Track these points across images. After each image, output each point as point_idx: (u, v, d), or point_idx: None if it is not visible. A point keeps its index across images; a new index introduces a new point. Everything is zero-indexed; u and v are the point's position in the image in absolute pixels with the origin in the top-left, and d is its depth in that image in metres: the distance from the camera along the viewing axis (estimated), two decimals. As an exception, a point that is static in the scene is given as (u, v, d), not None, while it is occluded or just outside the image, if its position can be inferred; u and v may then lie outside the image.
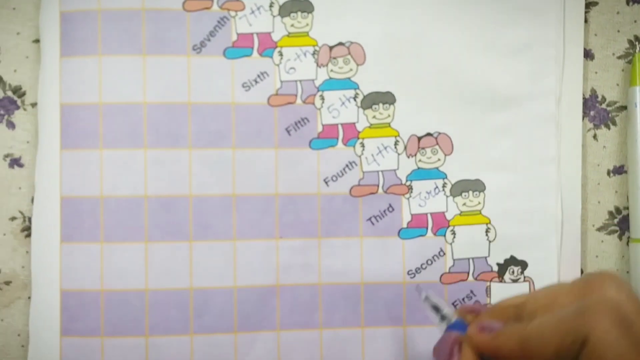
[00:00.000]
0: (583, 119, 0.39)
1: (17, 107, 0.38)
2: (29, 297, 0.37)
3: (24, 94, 0.38)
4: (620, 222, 0.40)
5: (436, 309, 0.32)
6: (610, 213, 0.40)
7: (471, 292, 0.38)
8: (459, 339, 0.29)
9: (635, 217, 0.38)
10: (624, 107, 0.40)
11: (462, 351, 0.29)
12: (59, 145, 0.36)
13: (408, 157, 0.38)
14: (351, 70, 0.38)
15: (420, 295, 0.33)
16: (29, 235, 0.37)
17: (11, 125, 0.38)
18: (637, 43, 0.40)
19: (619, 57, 0.40)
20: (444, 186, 0.38)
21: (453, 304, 0.38)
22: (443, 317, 0.31)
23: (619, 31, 0.40)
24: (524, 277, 0.38)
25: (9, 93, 0.38)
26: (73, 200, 0.36)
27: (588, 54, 0.40)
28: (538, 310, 0.29)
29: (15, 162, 0.38)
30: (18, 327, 0.37)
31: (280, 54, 0.37)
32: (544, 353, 0.27)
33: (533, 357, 0.27)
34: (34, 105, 0.38)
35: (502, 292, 0.38)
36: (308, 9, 0.37)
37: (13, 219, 0.37)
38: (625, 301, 0.27)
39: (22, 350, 0.37)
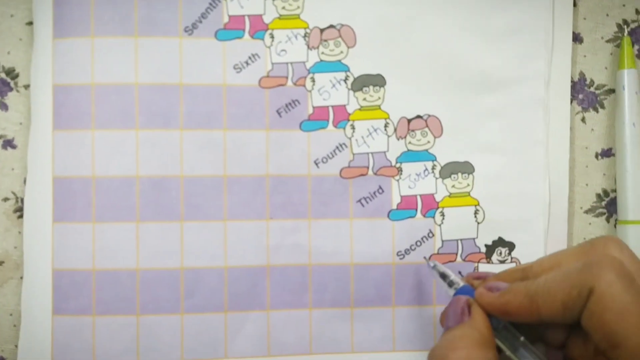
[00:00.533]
0: (571, 102, 0.40)
1: (10, 89, 0.38)
2: (21, 277, 0.37)
3: (17, 75, 0.38)
4: (608, 205, 0.40)
5: (443, 276, 0.33)
6: (598, 195, 0.40)
7: (459, 273, 0.38)
8: (468, 301, 0.30)
9: (622, 199, 0.39)
10: (612, 91, 0.40)
11: (472, 311, 0.30)
12: (51, 126, 0.37)
13: (398, 139, 0.38)
14: (342, 52, 0.38)
15: (428, 264, 0.34)
16: (21, 216, 0.37)
17: (4, 107, 0.38)
18: (625, 27, 0.40)
19: (608, 41, 0.40)
20: (433, 168, 0.38)
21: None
22: (451, 284, 0.32)
23: (607, 15, 0.40)
24: (512, 258, 0.38)
25: (2, 75, 0.38)
26: (65, 181, 0.37)
27: (577, 38, 0.40)
28: (543, 272, 0.30)
29: (9, 144, 0.38)
30: (10, 307, 0.38)
31: (272, 36, 0.38)
32: (551, 306, 0.28)
33: (540, 311, 0.28)
34: (27, 87, 0.38)
35: (490, 273, 0.38)
36: (299, -9, 0.38)
37: (6, 199, 0.38)
38: (627, 260, 0.28)
39: (14, 330, 0.37)
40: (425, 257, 0.38)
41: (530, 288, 0.29)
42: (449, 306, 0.31)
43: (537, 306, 0.28)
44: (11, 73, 0.38)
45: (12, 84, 0.38)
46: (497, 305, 0.29)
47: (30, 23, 0.38)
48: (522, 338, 0.29)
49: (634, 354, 0.26)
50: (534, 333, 0.30)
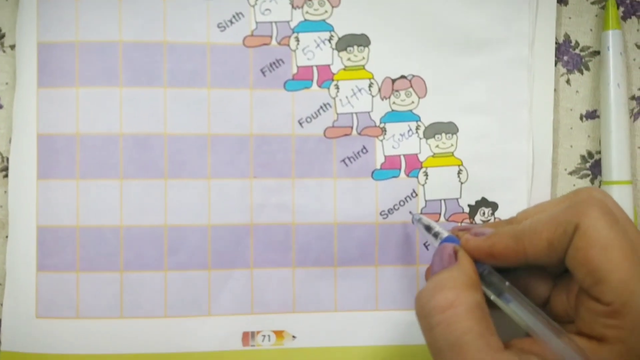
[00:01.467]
0: (556, 64, 0.40)
1: (-3, 50, 0.38)
2: (7, 237, 0.37)
3: (3, 35, 0.38)
4: (592, 166, 0.40)
5: (428, 228, 0.33)
6: (583, 157, 0.40)
7: (443, 232, 0.38)
8: (454, 248, 0.30)
9: (607, 160, 0.39)
10: (597, 53, 0.40)
11: (459, 257, 0.30)
12: (36, 83, 0.37)
13: (382, 99, 0.38)
14: (326, 12, 0.38)
15: (413, 217, 0.35)
16: (7, 176, 0.38)
17: (-10, 67, 0.38)
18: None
19: (593, 3, 0.40)
20: (417, 128, 0.39)
21: (425, 244, 0.38)
22: (436, 235, 0.32)
23: (593, -23, 0.40)
24: (495, 218, 0.39)
25: (-11, 35, 0.38)
26: (49, 138, 0.37)
27: (562, 0, 0.40)
28: (528, 217, 0.30)
29: (-5, 104, 0.38)
30: (-4, 266, 0.38)
31: (256, -5, 0.38)
32: (537, 245, 0.28)
33: (527, 250, 0.28)
34: (13, 47, 0.38)
35: (473, 233, 0.38)
36: (283, -49, 0.38)
37: (-8, 159, 0.38)
38: (610, 203, 0.28)
39: (0, 288, 0.38)
40: (410, 212, 0.38)
41: (516, 230, 0.29)
42: (434, 254, 0.31)
43: (523, 246, 0.28)
44: (-3, 33, 0.38)
45: (-2, 45, 0.38)
46: (484, 248, 0.30)
47: (16, -17, 0.38)
48: (507, 283, 0.29)
49: (617, 288, 0.26)
50: (518, 289, 0.30)
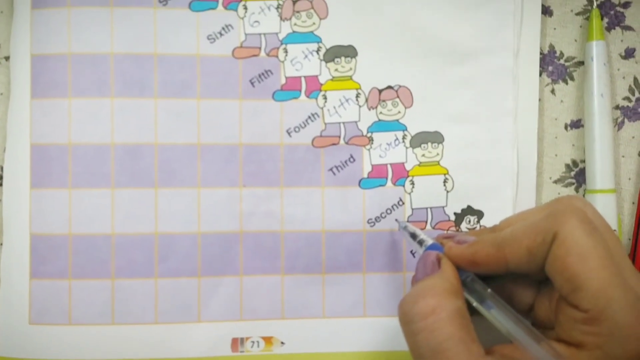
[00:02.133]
0: (541, 74, 0.40)
1: (-8, 61, 0.39)
2: (1, 244, 0.38)
3: (-2, 47, 0.39)
4: (577, 175, 0.41)
5: (414, 235, 0.34)
6: (567, 166, 0.41)
7: (428, 239, 0.39)
8: (437, 255, 0.31)
9: (591, 169, 0.39)
10: (582, 63, 0.41)
11: (442, 265, 0.30)
12: (30, 94, 0.38)
13: (369, 109, 0.39)
14: (314, 24, 0.39)
15: (399, 225, 0.36)
16: (1, 184, 0.38)
17: (-14, 78, 0.39)
18: (595, 0, 0.41)
19: (577, 14, 0.41)
20: (404, 138, 0.39)
21: (411, 252, 0.39)
22: (421, 242, 0.33)
23: (577, -12, 0.41)
24: (480, 226, 0.39)
25: (-16, 47, 0.39)
26: (42, 148, 0.37)
27: (547, 11, 0.40)
28: (510, 225, 0.30)
29: (-10, 114, 0.39)
30: (-9, 273, 0.38)
31: (245, 8, 0.38)
32: (517, 253, 0.29)
33: (507, 258, 0.29)
34: (7, 58, 0.39)
35: (459, 240, 0.39)
36: (271, -37, 0.39)
37: (-13, 168, 0.39)
38: (590, 212, 0.29)
39: (-5, 295, 0.38)
40: (397, 220, 0.38)
41: (497, 237, 0.30)
42: (418, 261, 0.32)
43: (504, 254, 0.29)
44: (-8, 45, 0.39)
45: (-7, 56, 0.39)
46: (466, 255, 0.30)
47: (11, -4, 0.39)
48: (489, 290, 0.29)
49: (594, 295, 0.26)
50: (503, 296, 0.31)
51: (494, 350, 0.29)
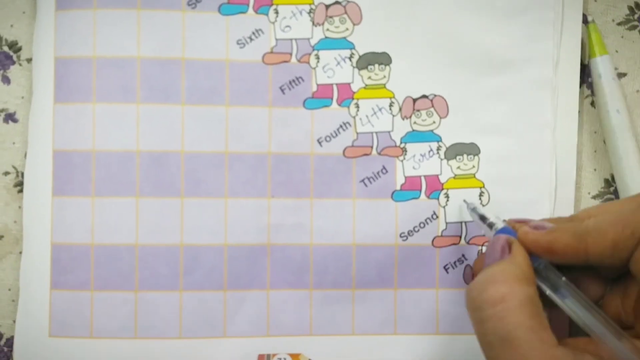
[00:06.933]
0: (581, 85, 0.39)
1: (13, 63, 0.38)
2: (20, 252, 0.37)
3: (19, 49, 0.38)
4: (616, 191, 0.39)
5: (483, 218, 0.33)
6: (607, 181, 0.39)
7: (463, 255, 0.38)
8: (508, 239, 0.29)
9: (623, 188, 0.38)
10: (624, 74, 0.39)
11: (513, 249, 0.29)
12: (52, 99, 0.36)
13: (403, 119, 0.38)
14: (347, 29, 0.38)
15: (468, 206, 0.35)
16: (21, 191, 0.37)
17: (7, 80, 0.38)
18: (637, 10, 0.39)
19: (619, 24, 0.39)
20: (438, 149, 0.38)
21: (445, 267, 0.38)
22: (491, 225, 0.32)
23: (619, -3, 0.39)
24: (517, 242, 0.38)
25: (5, 48, 0.38)
26: (65, 154, 0.36)
27: (587, 20, 0.39)
28: (591, 217, 0.29)
29: (10, 117, 0.38)
30: (9, 282, 0.37)
31: (276, 12, 0.37)
32: (600, 245, 0.28)
33: (588, 250, 0.28)
34: (29, 60, 0.38)
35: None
36: (304, -34, 0.37)
37: (6, 173, 0.38)
38: None
39: (13, 304, 0.37)
40: (464, 200, 0.37)
41: (579, 227, 0.28)
42: (488, 246, 0.30)
43: (586, 245, 0.28)
44: (14, 46, 0.38)
45: (14, 57, 0.38)
46: (543, 242, 0.29)
47: (34, -4, 0.37)
48: (563, 278, 0.28)
49: None
50: None
51: (567, 343, 0.27)
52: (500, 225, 0.32)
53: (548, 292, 0.29)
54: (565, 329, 0.29)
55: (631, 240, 0.27)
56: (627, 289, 0.29)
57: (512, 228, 0.31)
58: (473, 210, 0.34)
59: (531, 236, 0.29)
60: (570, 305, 0.28)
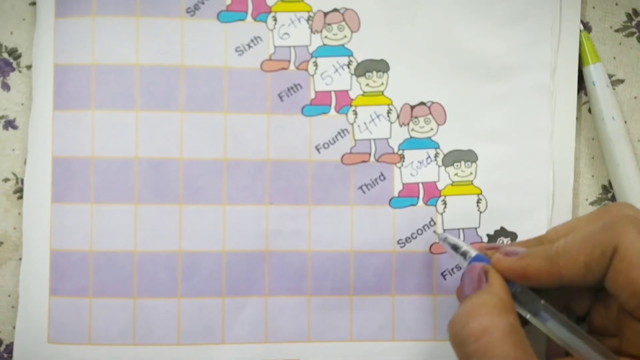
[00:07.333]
0: (579, 92, 0.39)
1: (13, 69, 0.38)
2: (20, 259, 0.37)
3: (19, 56, 0.38)
4: (613, 197, 0.39)
5: (455, 247, 0.33)
6: (604, 187, 0.39)
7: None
8: (484, 267, 0.29)
9: (620, 195, 0.38)
10: (621, 81, 0.39)
11: (490, 278, 0.29)
12: (52, 106, 0.37)
13: (401, 126, 0.38)
14: (345, 37, 0.38)
15: (439, 237, 0.35)
16: (21, 197, 0.37)
17: (6, 87, 0.38)
18: (635, 17, 0.39)
19: (617, 31, 0.40)
20: (436, 156, 0.38)
21: (442, 274, 0.38)
22: (464, 254, 0.32)
23: (617, 4, 0.39)
24: (515, 248, 0.38)
25: (5, 55, 0.38)
26: (64, 161, 0.36)
27: (585, 27, 0.39)
28: (559, 238, 0.29)
29: (10, 124, 0.38)
30: (9, 288, 0.37)
31: (275, 19, 0.37)
32: (573, 267, 0.28)
33: (562, 273, 0.28)
34: (29, 67, 0.38)
35: (492, 263, 0.38)
36: (302, -26, 0.37)
37: (6, 180, 0.38)
38: None
39: (12, 311, 0.37)
40: (435, 231, 0.37)
41: (550, 250, 0.28)
42: (464, 275, 0.30)
43: (558, 268, 0.28)
44: (14, 53, 0.38)
45: (14, 64, 0.38)
46: (516, 269, 0.29)
47: (33, 3, 0.38)
48: (542, 301, 0.28)
49: None
50: (556, 307, 0.29)
51: None
52: (473, 253, 0.31)
53: (529, 316, 0.29)
54: (542, 348, 0.29)
55: (602, 260, 0.27)
56: (607, 300, 0.29)
57: (485, 255, 0.31)
58: (444, 240, 0.34)
59: (504, 263, 0.29)
60: (552, 327, 0.28)
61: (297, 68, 0.38)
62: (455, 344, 0.27)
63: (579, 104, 0.39)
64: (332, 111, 0.38)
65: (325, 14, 0.38)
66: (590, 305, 0.30)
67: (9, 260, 0.38)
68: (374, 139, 0.38)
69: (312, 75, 0.38)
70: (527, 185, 0.38)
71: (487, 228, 0.38)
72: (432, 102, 0.38)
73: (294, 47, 0.38)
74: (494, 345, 0.26)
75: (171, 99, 0.37)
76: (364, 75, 0.38)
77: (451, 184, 0.38)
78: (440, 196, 0.38)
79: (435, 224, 0.38)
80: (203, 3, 0.37)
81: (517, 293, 0.29)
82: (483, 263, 0.30)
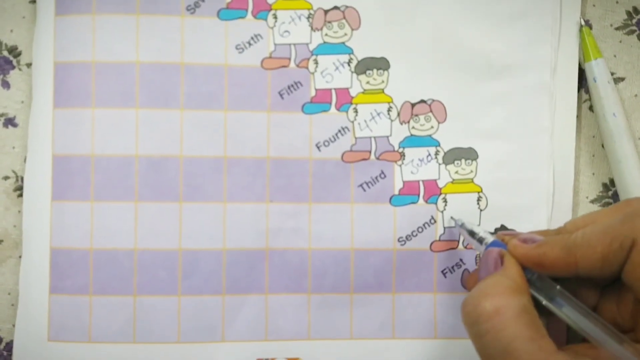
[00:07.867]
0: (579, 90, 0.39)
1: (13, 67, 0.38)
2: (20, 257, 0.37)
3: (19, 54, 0.38)
4: (614, 195, 0.39)
5: (472, 233, 0.33)
6: (605, 185, 0.39)
7: (461, 260, 0.38)
8: (500, 252, 0.30)
9: (623, 192, 0.38)
10: (622, 79, 0.39)
11: (505, 262, 0.29)
12: (52, 103, 0.36)
13: (401, 123, 0.38)
14: (346, 34, 0.38)
15: (456, 223, 0.35)
16: (21, 195, 0.37)
17: (6, 85, 0.38)
18: (635, 15, 0.39)
19: (617, 29, 0.39)
20: (436, 154, 0.38)
21: (442, 272, 0.38)
22: (480, 240, 0.32)
23: (617, 2, 0.39)
24: (515, 246, 0.38)
25: (5, 53, 0.38)
26: (64, 159, 0.36)
27: (586, 24, 0.39)
28: (578, 229, 0.29)
29: (10, 122, 0.38)
30: (9, 286, 0.37)
31: (275, 17, 0.37)
32: (590, 259, 0.28)
33: (578, 263, 0.28)
34: (29, 65, 0.38)
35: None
36: (303, -28, 0.37)
37: (6, 178, 0.38)
38: None
39: (12, 309, 0.37)
40: (452, 217, 0.37)
41: (568, 240, 0.28)
42: (480, 260, 0.31)
43: (575, 259, 0.28)
44: (14, 51, 0.38)
45: (14, 62, 0.38)
46: (533, 256, 0.29)
47: (34, 1, 0.38)
48: (558, 287, 0.28)
49: None
50: None
51: (567, 349, 0.28)
52: (490, 239, 0.32)
53: (544, 302, 0.29)
54: (563, 337, 0.29)
55: (620, 252, 0.27)
56: (621, 296, 0.29)
57: (501, 241, 0.31)
58: (461, 226, 0.34)
59: (520, 250, 0.30)
60: (568, 313, 0.28)
61: (297, 66, 0.37)
62: (468, 323, 0.28)
63: (579, 102, 0.39)
64: (333, 109, 0.38)
65: (326, 11, 0.38)
66: (597, 301, 0.30)
67: (9, 258, 0.37)
68: (375, 137, 0.38)
69: (313, 73, 0.38)
70: (527, 183, 0.38)
71: (488, 226, 0.38)
72: (433, 100, 0.38)
73: (294, 44, 0.37)
74: (506, 325, 0.26)
75: (171, 97, 0.37)
76: (365, 73, 0.38)
77: (452, 182, 0.38)
78: (440, 194, 0.38)
79: (435, 221, 0.38)
80: (203, 1, 0.37)
81: (533, 279, 0.29)
82: (500, 248, 0.30)
